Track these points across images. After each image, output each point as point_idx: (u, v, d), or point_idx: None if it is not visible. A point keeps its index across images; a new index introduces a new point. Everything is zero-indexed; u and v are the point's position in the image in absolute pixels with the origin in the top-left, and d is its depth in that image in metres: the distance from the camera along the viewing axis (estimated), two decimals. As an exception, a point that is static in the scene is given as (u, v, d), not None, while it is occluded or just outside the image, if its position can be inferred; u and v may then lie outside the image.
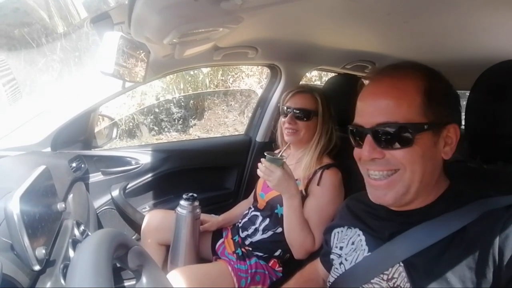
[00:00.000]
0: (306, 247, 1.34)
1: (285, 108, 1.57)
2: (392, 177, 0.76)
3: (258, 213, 1.59)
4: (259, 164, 1.33)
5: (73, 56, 4.89)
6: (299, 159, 1.55)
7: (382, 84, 0.78)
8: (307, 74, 3.72)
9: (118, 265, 0.75)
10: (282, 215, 1.43)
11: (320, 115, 1.53)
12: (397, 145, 0.73)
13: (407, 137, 0.72)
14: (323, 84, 2.17)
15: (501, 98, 0.83)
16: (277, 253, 1.52)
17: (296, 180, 1.37)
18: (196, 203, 1.53)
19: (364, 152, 0.77)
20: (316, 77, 6.52)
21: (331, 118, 1.56)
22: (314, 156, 1.48)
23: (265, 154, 1.33)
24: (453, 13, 0.98)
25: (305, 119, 1.52)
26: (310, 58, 1.95)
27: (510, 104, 0.82)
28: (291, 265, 1.39)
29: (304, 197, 1.40)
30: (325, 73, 5.29)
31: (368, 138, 0.76)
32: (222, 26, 1.04)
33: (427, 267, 0.72)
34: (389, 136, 0.73)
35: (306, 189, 1.43)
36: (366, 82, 0.88)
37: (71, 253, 0.95)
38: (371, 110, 0.77)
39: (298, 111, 1.53)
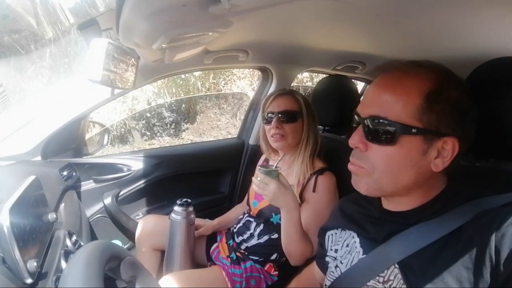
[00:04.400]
0: (305, 256, 1.30)
1: (268, 114, 1.53)
2: (361, 169, 0.78)
3: (252, 219, 1.58)
4: (253, 178, 1.25)
5: (62, 63, 4.86)
6: (290, 164, 1.52)
7: (389, 78, 0.77)
8: (298, 75, 3.74)
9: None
10: (278, 223, 1.42)
11: (305, 115, 1.51)
12: (381, 141, 0.73)
13: (391, 135, 0.72)
14: (314, 85, 2.18)
15: (492, 95, 0.83)
16: (273, 257, 1.51)
17: (290, 185, 1.33)
18: (191, 209, 1.52)
19: (351, 140, 0.79)
20: (308, 78, 6.55)
21: (315, 118, 1.55)
22: (305, 160, 1.46)
23: (259, 167, 1.25)
24: (442, 13, 0.99)
25: (291, 121, 1.48)
26: (300, 60, 1.96)
27: (500, 101, 0.83)
28: (287, 269, 1.38)
29: (299, 204, 1.36)
30: (316, 74, 5.31)
31: (359, 127, 0.78)
32: (211, 31, 1.03)
33: (423, 268, 0.72)
34: (375, 130, 0.74)
35: (300, 195, 1.40)
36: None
37: (63, 264, 0.93)
38: (370, 100, 0.78)
39: (282, 114, 1.49)
